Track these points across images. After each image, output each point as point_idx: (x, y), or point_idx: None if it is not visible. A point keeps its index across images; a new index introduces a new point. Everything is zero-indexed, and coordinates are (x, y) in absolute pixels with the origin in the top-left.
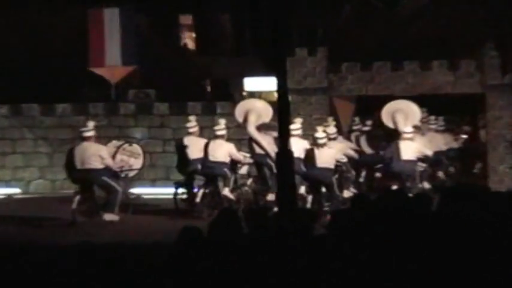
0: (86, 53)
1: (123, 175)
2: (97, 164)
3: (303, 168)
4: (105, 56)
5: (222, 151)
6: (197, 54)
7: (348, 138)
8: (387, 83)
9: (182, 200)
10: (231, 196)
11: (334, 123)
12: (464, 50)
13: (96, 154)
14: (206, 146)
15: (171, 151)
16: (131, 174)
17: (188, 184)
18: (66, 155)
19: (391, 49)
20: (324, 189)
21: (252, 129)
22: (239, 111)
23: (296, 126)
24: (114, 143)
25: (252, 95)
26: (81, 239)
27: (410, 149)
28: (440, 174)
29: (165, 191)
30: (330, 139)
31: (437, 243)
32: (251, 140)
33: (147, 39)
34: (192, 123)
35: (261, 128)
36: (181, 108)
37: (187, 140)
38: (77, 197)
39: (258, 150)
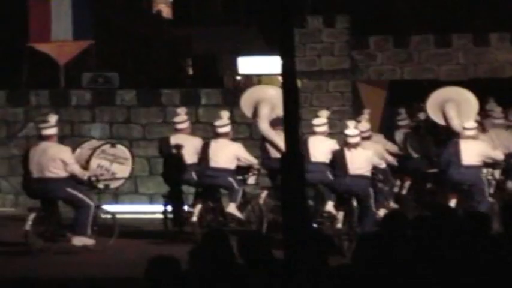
0: (26, 25)
1: (100, 186)
2: (59, 172)
3: (330, 177)
4: (51, 28)
5: (227, 154)
6: (174, 25)
7: (388, 137)
8: (430, 63)
9: (170, 219)
10: (239, 214)
11: (367, 117)
12: None
13: (56, 158)
14: (205, 148)
15: (141, 155)
16: (114, 185)
17: (178, 198)
18: (21, 160)
19: (434, 18)
20: (356, 204)
21: (264, 125)
22: (247, 102)
23: (321, 121)
24: (91, 143)
25: (248, 79)
26: (29, 272)
27: (474, 151)
28: (510, 185)
29: (131, 209)
30: (363, 138)
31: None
32: (264, 139)
33: (106, 6)
34: (182, 117)
35: (276, 123)
36: (153, 97)
37: (175, 139)
38: (32, 215)
39: (273, 153)
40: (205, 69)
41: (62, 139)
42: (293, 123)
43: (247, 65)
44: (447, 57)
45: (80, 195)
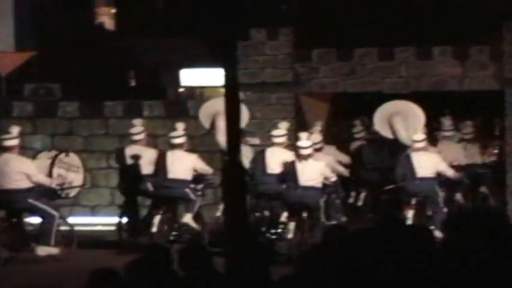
0: None
1: (63, 195)
2: (21, 183)
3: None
4: None
5: (184, 165)
6: (118, 37)
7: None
8: (373, 76)
9: (126, 230)
10: (194, 225)
11: (319, 128)
12: (474, 32)
13: (19, 170)
14: (161, 159)
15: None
16: (72, 193)
17: (134, 209)
18: None
19: (378, 31)
20: (306, 215)
21: (222, 138)
22: (205, 114)
23: (279, 132)
24: (45, 153)
25: (191, 90)
26: None
27: (427, 163)
28: (459, 197)
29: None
30: (315, 150)
31: None
32: (222, 152)
33: (48, 18)
34: (138, 129)
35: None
36: (95, 109)
37: (131, 150)
38: None
39: None
40: (148, 81)
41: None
42: (235, 135)
43: (190, 77)
44: (390, 70)
45: (43, 206)
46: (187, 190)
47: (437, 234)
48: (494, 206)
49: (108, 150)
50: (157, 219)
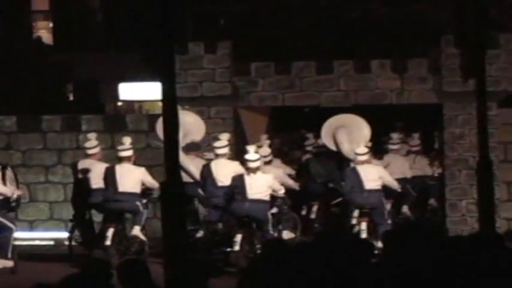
0: None
1: (13, 204)
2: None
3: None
4: None
5: (133, 178)
6: (56, 51)
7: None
8: (311, 90)
9: (79, 243)
10: (143, 237)
11: (268, 142)
12: (413, 46)
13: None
14: (109, 173)
15: (20, 181)
16: (15, 205)
17: (86, 223)
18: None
19: (316, 45)
20: (255, 227)
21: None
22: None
23: (222, 143)
24: None
25: (130, 105)
26: None
27: (374, 175)
28: (405, 209)
29: None
30: (264, 163)
31: None
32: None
33: None
34: (92, 143)
35: (189, 149)
36: (33, 123)
37: (83, 164)
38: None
39: (185, 178)
40: (87, 95)
41: None
42: (173, 149)
43: (129, 91)
44: (329, 84)
45: (2, 219)
46: (137, 203)
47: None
48: (434, 218)
49: (47, 164)
50: (110, 232)
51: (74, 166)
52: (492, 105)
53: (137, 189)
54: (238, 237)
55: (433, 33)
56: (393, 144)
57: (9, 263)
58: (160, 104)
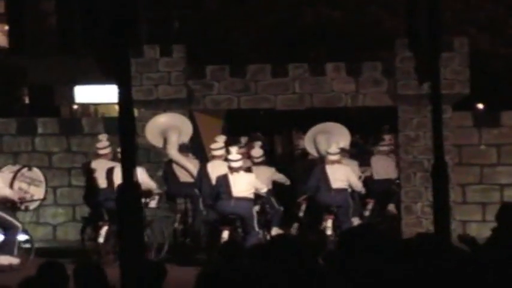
0: None
1: (22, 207)
2: None
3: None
4: None
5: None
6: (10, 54)
7: None
8: (266, 93)
9: (90, 239)
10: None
11: (260, 143)
12: (367, 49)
13: None
14: (109, 173)
15: None
16: (32, 206)
17: (97, 220)
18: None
19: (271, 48)
20: (240, 224)
21: (174, 152)
22: (154, 130)
23: (218, 145)
24: (9, 167)
25: (86, 108)
26: None
27: (341, 175)
28: (391, 207)
29: None
30: (255, 163)
31: None
32: (169, 165)
33: None
34: (104, 143)
35: (182, 149)
36: None
37: (96, 164)
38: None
39: (183, 178)
40: (42, 98)
41: None
42: (130, 152)
43: (84, 94)
44: (283, 87)
45: (9, 218)
46: None
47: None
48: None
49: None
50: (104, 230)
51: (86, 166)
52: (447, 108)
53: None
54: (225, 234)
55: (387, 36)
56: (383, 146)
57: (16, 260)
58: (115, 106)
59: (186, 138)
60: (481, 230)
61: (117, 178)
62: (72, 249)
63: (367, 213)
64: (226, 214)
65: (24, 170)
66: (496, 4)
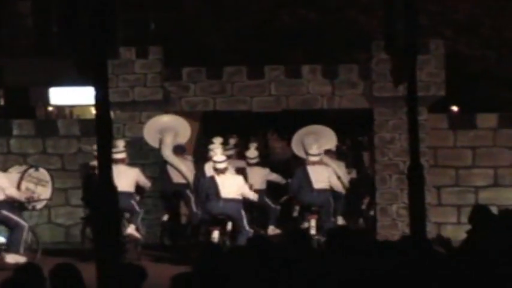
0: None
1: (30, 207)
2: None
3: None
4: None
5: (127, 178)
6: None
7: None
8: (243, 95)
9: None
10: (137, 235)
11: (256, 145)
12: (343, 51)
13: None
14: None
15: None
16: (39, 206)
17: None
18: None
19: (247, 50)
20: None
21: (168, 152)
22: (151, 131)
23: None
24: (17, 167)
25: (61, 110)
26: None
27: (322, 175)
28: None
29: None
30: (250, 164)
31: None
32: (163, 166)
33: None
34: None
35: (177, 150)
36: None
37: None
38: None
39: (175, 178)
40: (17, 100)
41: None
42: (106, 154)
43: (60, 95)
44: (260, 89)
45: (16, 217)
46: (132, 202)
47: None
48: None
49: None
50: None
51: (84, 167)
52: (422, 110)
53: (131, 189)
54: (216, 234)
55: (363, 38)
56: None
57: (22, 259)
58: (91, 108)
59: (182, 140)
60: (457, 232)
61: (117, 178)
62: (46, 250)
63: (363, 206)
64: (215, 215)
65: (31, 170)
66: (472, 6)
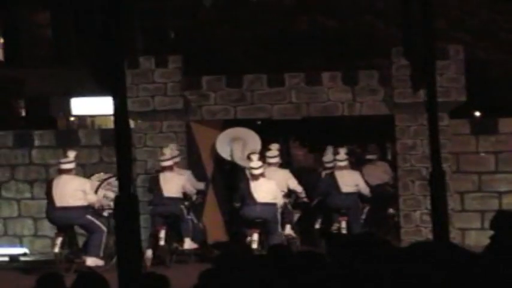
0: None
1: (105, 214)
2: (79, 201)
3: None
4: None
5: (174, 185)
6: (6, 66)
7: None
8: (263, 102)
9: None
10: (195, 245)
11: (277, 145)
12: (363, 57)
13: (78, 189)
14: (153, 180)
15: None
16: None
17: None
18: (45, 191)
19: (267, 58)
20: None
21: (240, 161)
22: (224, 142)
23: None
24: (99, 175)
25: (83, 120)
26: None
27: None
28: (391, 211)
29: None
30: (270, 164)
31: None
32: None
33: None
34: (167, 156)
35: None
36: None
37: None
38: (59, 239)
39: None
40: (38, 110)
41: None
42: (126, 164)
43: (81, 106)
44: (280, 96)
45: (97, 222)
46: (181, 207)
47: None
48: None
49: (0, 180)
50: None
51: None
52: (443, 116)
53: (179, 194)
54: (255, 236)
55: (383, 44)
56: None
57: (101, 262)
58: (111, 118)
59: (254, 147)
60: (480, 238)
61: (165, 184)
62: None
63: (363, 216)
64: (253, 219)
65: (112, 179)
66: (491, 11)
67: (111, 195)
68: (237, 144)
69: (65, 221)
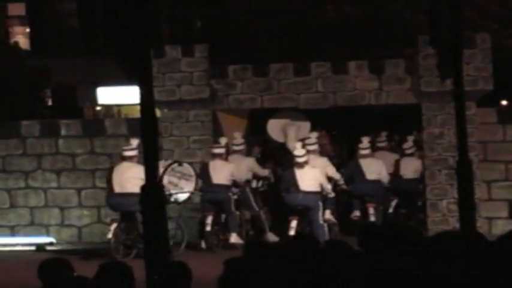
0: None
1: (172, 199)
2: (137, 188)
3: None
4: None
5: (222, 173)
6: (33, 56)
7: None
8: (289, 91)
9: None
10: (241, 240)
11: (316, 134)
12: (390, 46)
13: (137, 177)
14: (204, 169)
15: (1, 187)
16: (182, 198)
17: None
18: (106, 178)
19: (293, 46)
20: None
21: (292, 145)
22: (276, 127)
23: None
24: (162, 163)
25: (109, 109)
26: None
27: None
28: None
29: None
30: (308, 151)
31: None
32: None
33: None
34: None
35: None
36: (12, 129)
37: (213, 164)
38: (114, 226)
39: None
40: (65, 100)
41: None
42: (153, 153)
43: (107, 95)
44: (306, 86)
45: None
46: (229, 194)
47: None
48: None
49: (27, 170)
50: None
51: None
52: (470, 105)
53: (227, 182)
54: (294, 223)
55: (409, 33)
56: (380, 142)
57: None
58: (138, 107)
59: (304, 133)
60: (507, 227)
61: (215, 172)
62: (97, 250)
63: (390, 210)
64: (295, 206)
65: (175, 165)
66: None
67: (176, 180)
68: (291, 129)
69: (124, 208)
